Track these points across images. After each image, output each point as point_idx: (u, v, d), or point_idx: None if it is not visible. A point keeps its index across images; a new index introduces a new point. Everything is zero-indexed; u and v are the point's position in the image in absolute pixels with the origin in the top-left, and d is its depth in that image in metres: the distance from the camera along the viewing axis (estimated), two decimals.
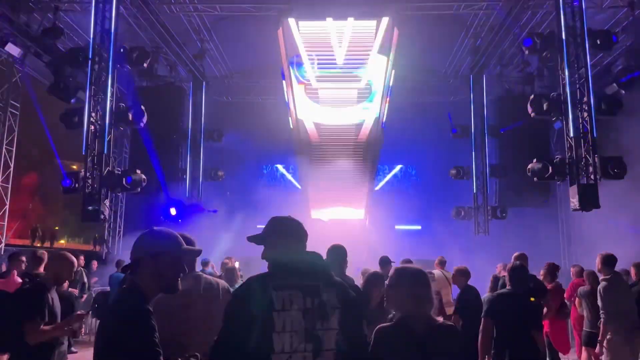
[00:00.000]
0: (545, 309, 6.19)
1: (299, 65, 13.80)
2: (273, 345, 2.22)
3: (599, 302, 5.99)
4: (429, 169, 17.62)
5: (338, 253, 4.64)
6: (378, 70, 13.91)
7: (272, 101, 16.75)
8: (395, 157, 17.95)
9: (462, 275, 6.72)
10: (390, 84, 14.25)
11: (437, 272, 7.72)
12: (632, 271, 7.01)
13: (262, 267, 2.50)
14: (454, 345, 2.58)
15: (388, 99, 14.57)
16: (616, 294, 5.88)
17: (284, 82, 14.45)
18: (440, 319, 2.73)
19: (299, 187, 17.50)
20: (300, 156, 15.39)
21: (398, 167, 18.56)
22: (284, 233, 2.47)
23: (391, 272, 2.83)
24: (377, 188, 17.58)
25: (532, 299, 4.84)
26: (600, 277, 6.18)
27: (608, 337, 5.84)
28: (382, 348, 2.54)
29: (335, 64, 13.65)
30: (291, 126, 15.05)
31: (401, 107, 15.30)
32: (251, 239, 2.52)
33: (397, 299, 2.68)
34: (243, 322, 2.27)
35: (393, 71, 13.97)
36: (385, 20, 12.64)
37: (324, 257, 2.61)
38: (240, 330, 2.27)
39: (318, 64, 13.84)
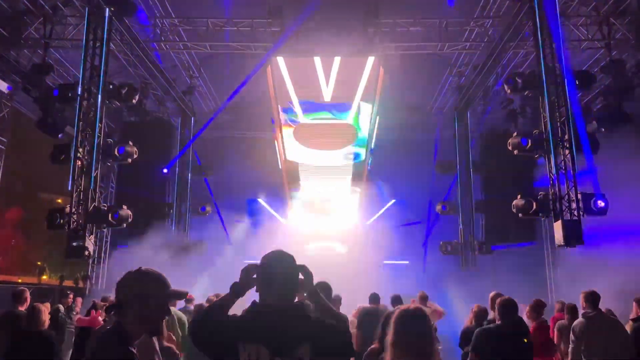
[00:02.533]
0: None
1: (288, 106, 14.14)
2: None
3: (572, 338, 5.95)
4: (417, 204, 17.71)
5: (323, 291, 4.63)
6: (364, 109, 14.25)
7: (260, 136, 16.89)
8: (389, 193, 18.01)
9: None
10: (376, 124, 14.60)
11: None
12: (634, 306, 7.02)
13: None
14: None
15: (374, 139, 14.96)
16: (595, 333, 5.75)
17: (271, 119, 14.64)
18: None
19: (282, 220, 17.56)
20: (288, 196, 15.66)
21: (391, 202, 18.53)
22: (269, 279, 2.37)
23: None
24: (368, 222, 17.66)
25: (525, 340, 4.76)
26: (581, 312, 6.14)
27: None
28: None
29: (322, 101, 13.89)
30: (280, 166, 15.37)
31: (387, 144, 15.52)
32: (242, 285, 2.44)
33: None
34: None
35: (377, 115, 14.37)
36: (371, 60, 12.92)
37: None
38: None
39: (306, 101, 14.09)
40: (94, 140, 10.52)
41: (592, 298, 5.95)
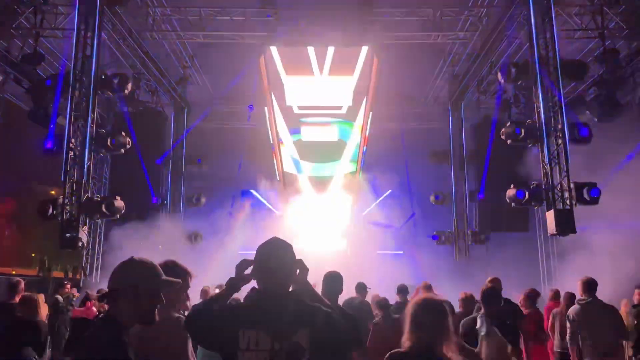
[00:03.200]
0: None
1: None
2: None
3: (567, 325, 6.02)
4: (411, 194, 17.73)
5: (333, 281, 4.60)
6: (358, 99, 14.29)
7: (253, 127, 16.83)
8: (384, 183, 18.01)
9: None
10: (370, 117, 14.66)
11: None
12: (636, 293, 7.14)
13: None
14: None
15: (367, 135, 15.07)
16: (589, 319, 5.85)
17: (265, 109, 14.62)
18: None
19: (276, 212, 17.57)
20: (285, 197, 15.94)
21: (387, 192, 18.52)
22: (267, 266, 2.39)
23: None
24: (364, 213, 17.70)
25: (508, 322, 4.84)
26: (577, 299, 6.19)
27: None
28: None
29: (316, 92, 13.87)
30: (277, 173, 15.60)
31: (381, 134, 15.52)
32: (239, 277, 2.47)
33: None
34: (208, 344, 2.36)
35: (371, 104, 14.45)
36: (364, 49, 12.88)
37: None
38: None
39: (299, 91, 14.06)
40: (86, 131, 10.43)
41: (589, 285, 6.00)
